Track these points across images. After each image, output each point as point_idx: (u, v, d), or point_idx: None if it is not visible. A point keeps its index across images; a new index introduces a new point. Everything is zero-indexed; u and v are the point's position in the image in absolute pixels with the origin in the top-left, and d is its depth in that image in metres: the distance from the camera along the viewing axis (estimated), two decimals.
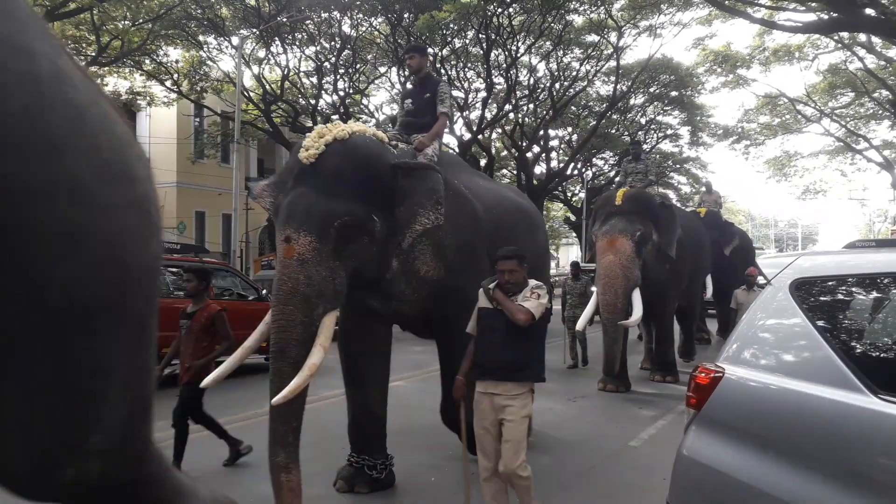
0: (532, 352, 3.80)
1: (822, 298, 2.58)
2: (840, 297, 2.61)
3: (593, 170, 33.83)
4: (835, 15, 13.66)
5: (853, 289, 2.61)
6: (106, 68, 19.19)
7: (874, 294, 2.62)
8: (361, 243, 3.89)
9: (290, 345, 3.63)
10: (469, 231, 4.72)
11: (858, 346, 2.47)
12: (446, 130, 7.32)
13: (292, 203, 3.76)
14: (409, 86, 5.17)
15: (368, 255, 3.98)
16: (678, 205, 16.14)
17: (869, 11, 12.86)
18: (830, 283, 2.62)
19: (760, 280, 18.44)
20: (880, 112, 24.37)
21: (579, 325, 8.69)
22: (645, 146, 29.72)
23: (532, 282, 3.88)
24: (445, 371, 4.80)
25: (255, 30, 19.73)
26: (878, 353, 2.46)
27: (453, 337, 4.38)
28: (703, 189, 16.36)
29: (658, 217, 8.47)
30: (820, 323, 2.44)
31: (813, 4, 14.79)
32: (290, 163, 4.05)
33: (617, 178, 10.50)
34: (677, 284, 9.29)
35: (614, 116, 27.10)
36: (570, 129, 29.35)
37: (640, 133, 29.42)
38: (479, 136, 23.73)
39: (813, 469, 2.24)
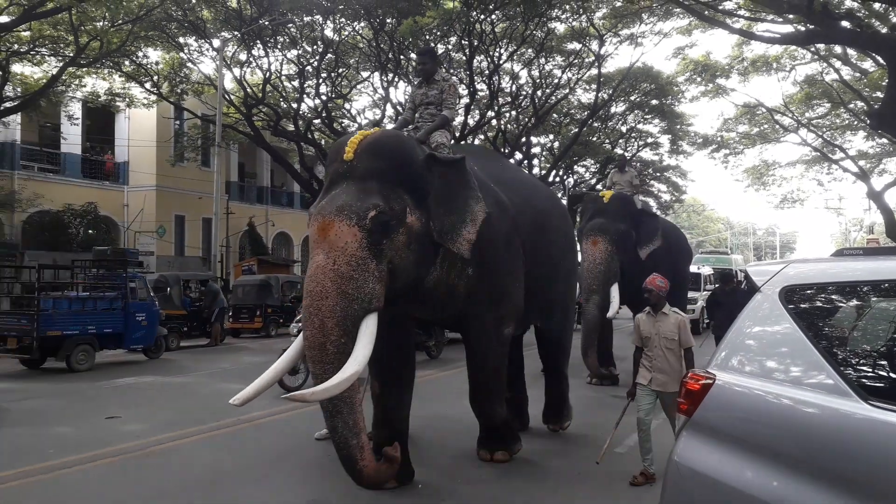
0: None
1: (811, 305, 2.60)
2: (829, 304, 2.63)
3: (575, 177, 34.03)
4: (812, 27, 13.87)
5: (842, 296, 2.63)
6: (84, 69, 18.93)
7: (863, 301, 2.65)
8: None
9: None
10: None
11: (848, 352, 2.49)
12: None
13: None
14: None
15: None
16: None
17: (845, 24, 13.10)
18: (820, 291, 2.65)
19: (700, 299, 17.78)
20: (856, 123, 24.77)
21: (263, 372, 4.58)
22: (626, 154, 29.97)
23: None
24: None
25: (236, 32, 19.58)
26: (867, 360, 2.48)
27: None
28: (614, 167, 12.22)
29: (424, 182, 4.80)
30: (810, 330, 2.46)
31: (790, 16, 15.03)
32: None
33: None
34: (498, 299, 5.50)
35: (596, 124, 27.30)
36: (552, 137, 29.51)
37: (620, 141, 29.66)
38: (462, 143, 23.76)
39: (804, 475, 2.26)
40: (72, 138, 22.87)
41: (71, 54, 17.40)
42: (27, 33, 17.20)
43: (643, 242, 9.51)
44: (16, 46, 17.33)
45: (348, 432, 4.14)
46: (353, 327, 4.23)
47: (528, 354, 7.33)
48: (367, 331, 4.28)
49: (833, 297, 2.65)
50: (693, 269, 20.82)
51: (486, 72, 21.92)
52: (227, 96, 21.54)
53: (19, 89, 18.97)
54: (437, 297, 5.15)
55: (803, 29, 14.69)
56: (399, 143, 4.87)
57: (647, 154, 32.87)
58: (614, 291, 9.01)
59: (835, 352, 2.42)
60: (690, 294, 18.57)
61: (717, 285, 13.44)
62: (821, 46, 19.68)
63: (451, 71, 22.79)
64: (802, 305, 2.57)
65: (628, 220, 9.46)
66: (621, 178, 11.13)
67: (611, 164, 30.38)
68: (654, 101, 25.93)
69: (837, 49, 20.18)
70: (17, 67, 18.55)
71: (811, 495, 2.21)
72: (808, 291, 2.64)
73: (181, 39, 20.18)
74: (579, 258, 8.86)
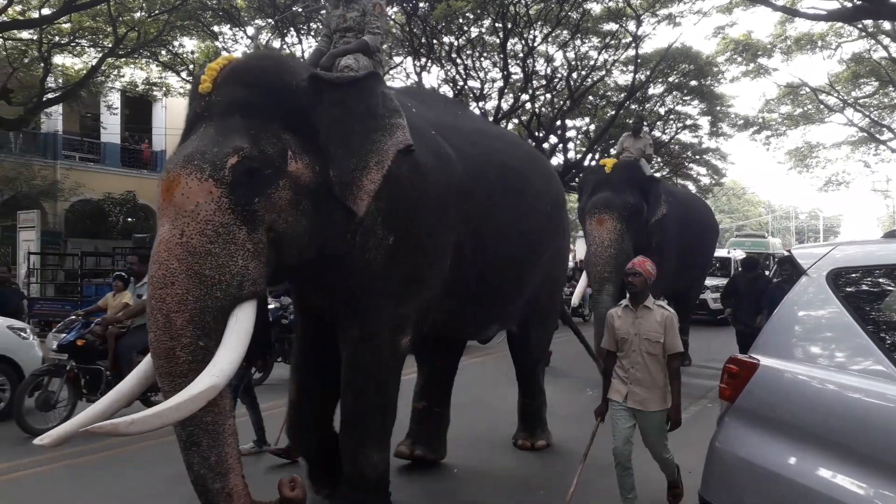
0: None
1: (859, 288, 2.51)
2: (879, 287, 2.53)
3: None
4: (859, 2, 13.40)
5: (892, 280, 2.53)
6: (123, 59, 19.27)
7: None
8: None
9: None
10: None
11: None
12: None
13: None
14: None
15: None
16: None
17: None
18: (868, 273, 2.55)
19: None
20: None
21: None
22: (664, 137, 29.32)
23: None
24: None
25: (270, 20, 19.70)
26: None
27: None
28: (628, 133, 10.19)
29: (312, 116, 3.46)
30: (858, 314, 2.38)
31: None
32: None
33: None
34: (406, 290, 3.96)
35: (633, 106, 26.77)
36: (587, 120, 29.07)
37: (658, 123, 29.08)
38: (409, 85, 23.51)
39: (851, 460, 2.19)
40: (111, 128, 23.35)
41: (110, 45, 17.71)
42: (67, 25, 17.55)
43: (651, 215, 7.97)
44: (57, 38, 17.72)
45: (208, 472, 2.93)
46: (215, 323, 2.97)
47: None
48: (238, 327, 3.01)
49: (882, 280, 2.55)
50: (723, 252, 19.99)
51: (521, 55, 21.68)
52: None
53: (60, 80, 19.41)
54: (347, 277, 3.73)
55: (850, 4, 14.21)
56: (273, 66, 3.58)
57: (686, 136, 32.20)
58: None
59: (884, 336, 2.33)
60: (719, 281, 17.62)
61: (738, 270, 12.74)
62: (868, 22, 19.01)
63: (485, 55, 22.57)
64: (850, 289, 2.48)
65: (637, 191, 7.93)
66: (634, 144, 9.46)
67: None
68: (693, 83, 25.30)
69: (886, 25, 19.47)
70: (58, 59, 18.94)
71: (856, 482, 2.15)
72: (856, 274, 2.55)
73: (216, 28, 20.37)
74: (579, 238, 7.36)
